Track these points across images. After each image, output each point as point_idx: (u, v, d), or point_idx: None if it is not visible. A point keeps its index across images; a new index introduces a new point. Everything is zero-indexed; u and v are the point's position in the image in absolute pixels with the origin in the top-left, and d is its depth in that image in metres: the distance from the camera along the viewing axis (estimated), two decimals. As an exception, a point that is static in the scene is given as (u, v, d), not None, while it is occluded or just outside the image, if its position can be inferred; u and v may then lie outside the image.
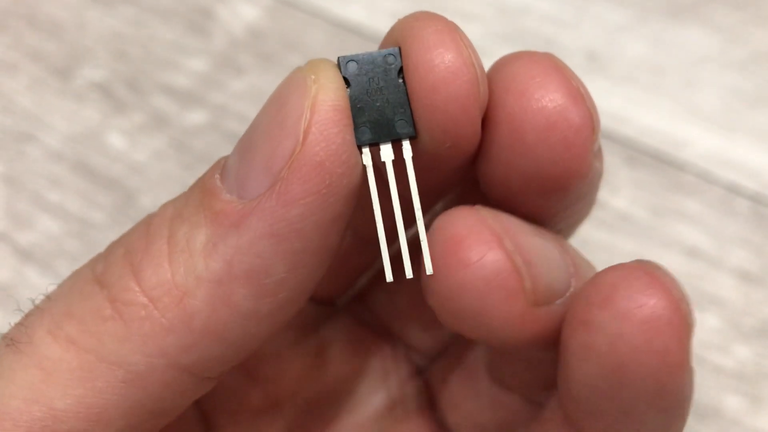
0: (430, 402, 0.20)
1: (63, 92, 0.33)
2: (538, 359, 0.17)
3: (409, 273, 0.15)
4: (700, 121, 0.32)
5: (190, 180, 0.16)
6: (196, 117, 0.33)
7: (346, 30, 0.35)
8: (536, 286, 0.15)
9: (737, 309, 0.28)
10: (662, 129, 0.32)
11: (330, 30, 0.35)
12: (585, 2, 0.35)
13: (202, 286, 0.14)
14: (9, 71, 0.34)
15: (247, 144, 0.15)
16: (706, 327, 0.27)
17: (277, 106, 0.14)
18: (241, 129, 0.34)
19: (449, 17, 0.15)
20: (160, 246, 0.14)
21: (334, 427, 0.20)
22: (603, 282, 0.14)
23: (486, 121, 0.16)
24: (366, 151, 0.15)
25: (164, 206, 0.15)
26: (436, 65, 0.14)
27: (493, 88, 0.15)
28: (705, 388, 0.26)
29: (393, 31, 0.15)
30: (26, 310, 0.15)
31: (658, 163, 0.31)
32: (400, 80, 0.15)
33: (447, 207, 0.20)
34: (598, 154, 0.16)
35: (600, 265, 0.18)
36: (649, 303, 0.14)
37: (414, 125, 0.15)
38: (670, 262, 0.29)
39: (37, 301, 0.15)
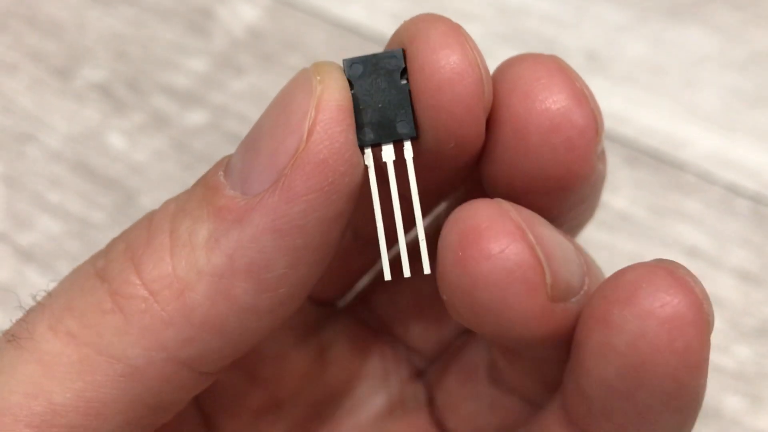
0: (429, 403, 0.20)
1: (63, 92, 0.33)
2: (540, 359, 0.17)
3: (407, 272, 0.15)
4: (700, 121, 0.32)
5: (191, 180, 0.16)
6: (196, 117, 0.33)
7: (346, 30, 0.35)
8: (556, 281, 0.15)
9: (737, 309, 0.28)
10: (662, 129, 0.32)
11: (330, 30, 0.35)
12: (585, 2, 0.35)
13: (203, 280, 0.14)
14: (9, 71, 0.34)
15: (251, 141, 0.15)
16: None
17: (282, 105, 0.15)
18: (241, 129, 0.34)
19: (449, 17, 0.15)
20: (162, 240, 0.15)
21: (335, 428, 0.20)
22: (624, 280, 0.14)
23: (491, 121, 0.16)
24: (368, 151, 0.15)
25: (166, 203, 0.15)
26: (441, 66, 0.14)
27: (497, 89, 0.15)
28: (707, 381, 0.26)
29: (398, 32, 0.15)
30: (27, 307, 0.15)
31: (658, 163, 0.31)
32: (403, 82, 0.15)
33: (451, 207, 0.20)
34: (602, 157, 0.16)
35: (600, 264, 0.18)
36: (672, 302, 0.14)
37: (415, 126, 0.15)
38: (671, 261, 0.29)
39: (39, 298, 0.15)
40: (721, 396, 0.27)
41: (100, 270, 0.15)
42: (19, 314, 0.15)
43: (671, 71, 0.34)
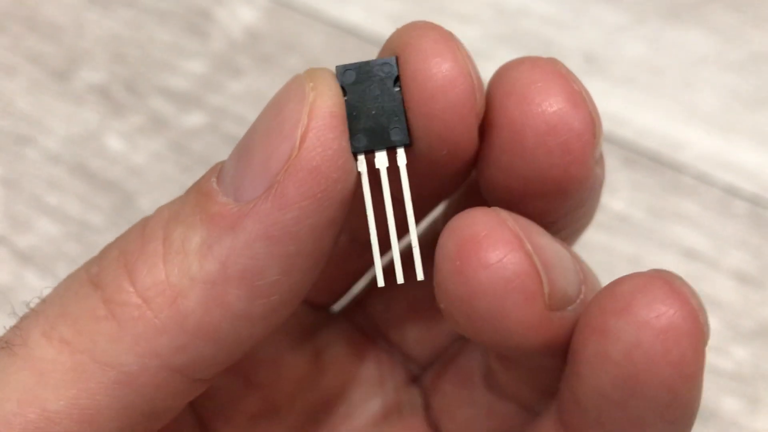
0: (425, 408, 0.20)
1: (61, 94, 0.33)
2: (536, 367, 0.17)
3: (400, 279, 0.15)
4: (699, 122, 0.32)
5: (189, 182, 0.16)
6: (194, 119, 0.33)
7: (344, 31, 0.35)
8: (553, 290, 0.15)
9: (735, 310, 0.28)
10: (660, 130, 0.32)
11: (328, 31, 0.35)
12: (583, 3, 0.35)
13: (196, 287, 0.14)
14: (7, 73, 0.34)
15: (244, 148, 0.15)
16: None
17: (274, 111, 0.15)
18: (239, 131, 0.34)
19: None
20: (156, 247, 0.15)
21: None
22: (620, 290, 0.14)
23: (488, 125, 0.16)
24: (361, 158, 0.15)
25: (160, 209, 0.15)
26: (433, 74, 0.14)
27: (495, 92, 0.15)
28: (703, 390, 0.26)
29: (391, 40, 0.15)
30: (21, 314, 0.15)
31: (656, 164, 0.31)
32: (396, 89, 0.15)
33: (447, 212, 0.20)
34: (600, 161, 0.16)
35: (598, 267, 0.18)
36: (668, 313, 0.14)
37: (408, 133, 0.15)
38: (668, 263, 0.29)
39: (33, 304, 0.15)
40: (718, 397, 0.27)
41: (94, 277, 0.15)
42: (13, 321, 0.15)
43: (669, 72, 0.33)
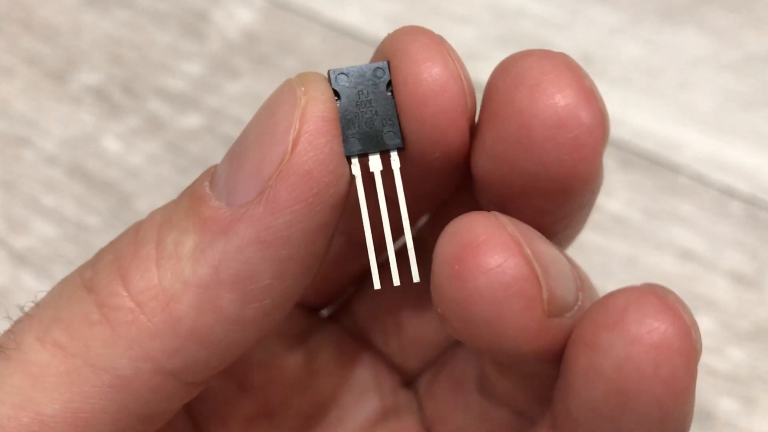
0: (419, 412, 0.20)
1: (58, 96, 0.33)
2: (532, 373, 0.17)
3: (396, 281, 0.15)
4: (695, 123, 0.32)
5: (185, 183, 0.16)
6: (191, 120, 0.33)
7: (341, 33, 0.35)
8: (552, 296, 0.15)
9: (731, 311, 0.28)
10: (657, 131, 0.32)
11: (325, 33, 0.35)
12: (579, 5, 0.35)
13: (189, 291, 0.14)
14: (4, 75, 0.34)
15: (236, 152, 0.15)
16: (699, 330, 0.27)
17: (267, 116, 0.15)
18: (236, 132, 0.34)
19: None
20: (149, 251, 0.15)
21: None
22: (612, 304, 0.14)
23: (489, 117, 0.15)
24: (355, 161, 0.15)
25: (153, 213, 0.15)
26: (423, 79, 0.14)
27: (500, 84, 0.15)
28: (699, 392, 0.26)
29: (383, 45, 0.16)
30: (15, 318, 0.15)
31: (653, 165, 0.31)
32: (389, 93, 0.15)
33: (441, 216, 0.20)
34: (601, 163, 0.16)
35: (594, 268, 0.18)
36: (660, 328, 0.14)
37: (402, 137, 0.15)
38: (664, 264, 0.29)
39: (27, 308, 0.15)
40: (714, 399, 0.27)
41: (88, 281, 0.15)
42: (7, 325, 0.15)
43: (666, 73, 0.34)
